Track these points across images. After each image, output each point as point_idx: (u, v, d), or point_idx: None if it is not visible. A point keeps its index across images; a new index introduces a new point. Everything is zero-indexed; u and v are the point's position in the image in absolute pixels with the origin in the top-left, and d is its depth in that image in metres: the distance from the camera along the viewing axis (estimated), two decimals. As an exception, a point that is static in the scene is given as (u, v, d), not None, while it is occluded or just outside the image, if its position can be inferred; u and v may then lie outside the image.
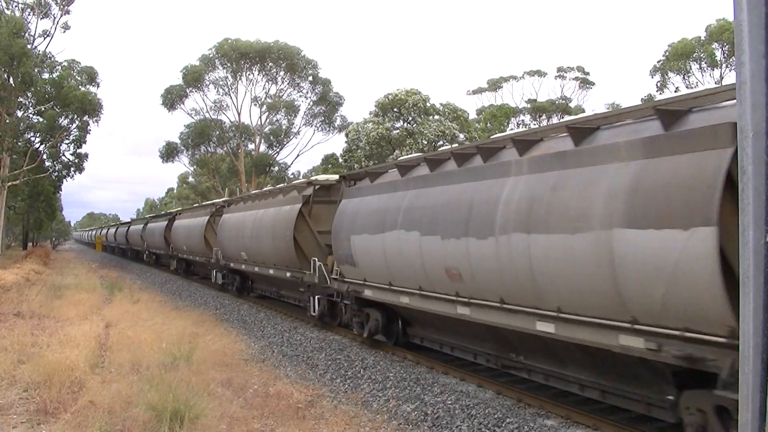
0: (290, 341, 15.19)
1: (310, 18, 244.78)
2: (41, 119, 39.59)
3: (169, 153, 57.01)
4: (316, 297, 16.00)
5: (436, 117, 44.53)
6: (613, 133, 7.49)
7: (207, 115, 54.73)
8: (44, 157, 42.45)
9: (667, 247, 5.92)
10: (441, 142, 41.45)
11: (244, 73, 53.73)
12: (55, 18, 37.04)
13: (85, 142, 42.11)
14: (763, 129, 1.99)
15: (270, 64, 53.11)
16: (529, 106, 58.52)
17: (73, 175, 44.70)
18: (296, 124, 55.81)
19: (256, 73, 53.90)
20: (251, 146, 57.11)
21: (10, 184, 37.23)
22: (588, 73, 58.72)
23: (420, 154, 13.15)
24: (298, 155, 70.31)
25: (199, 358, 10.97)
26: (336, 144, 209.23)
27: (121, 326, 14.60)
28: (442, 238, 9.59)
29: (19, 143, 38.49)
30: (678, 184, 5.98)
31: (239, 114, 55.43)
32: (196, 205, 39.60)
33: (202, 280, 31.92)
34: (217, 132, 54.98)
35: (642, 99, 40.73)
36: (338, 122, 54.82)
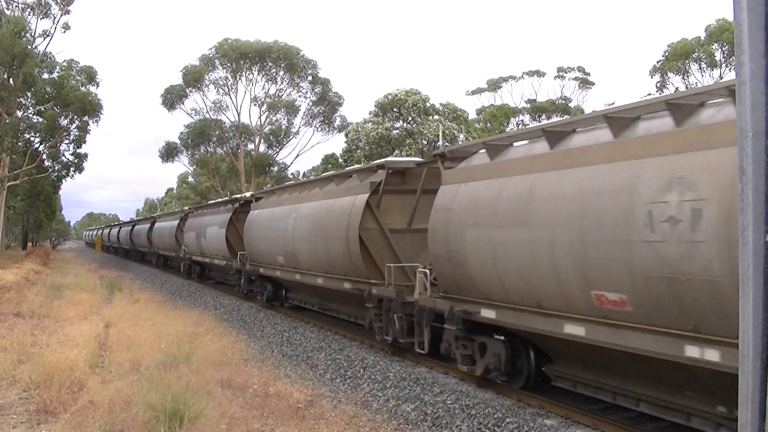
0: (290, 341, 15.19)
1: (309, 18, 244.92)
2: (41, 119, 39.62)
3: (169, 153, 57.07)
4: (395, 316, 12.01)
5: (436, 117, 44.56)
6: None
7: (207, 115, 54.83)
8: (44, 157, 42.49)
9: None
10: (441, 142, 41.45)
11: (243, 73, 53.77)
12: (55, 18, 37.18)
13: (84, 142, 42.26)
14: (763, 129, 1.99)
15: (270, 64, 53.14)
16: (528, 106, 58.56)
17: (72, 175, 44.86)
18: (296, 124, 55.91)
19: (255, 73, 53.95)
20: (251, 146, 57.18)
21: (10, 183, 37.26)
22: (588, 74, 58.76)
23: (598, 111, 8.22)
24: (297, 155, 70.34)
25: (198, 358, 10.97)
26: (336, 144, 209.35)
27: (121, 326, 14.60)
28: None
29: (19, 143, 38.52)
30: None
31: (239, 114, 55.51)
32: (215, 201, 33.97)
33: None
34: (217, 132, 55.01)
35: (641, 99, 40.65)
36: (338, 122, 54.89)
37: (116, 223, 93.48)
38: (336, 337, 15.30)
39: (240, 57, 52.16)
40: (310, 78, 54.08)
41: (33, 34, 36.77)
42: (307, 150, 67.05)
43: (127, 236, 58.34)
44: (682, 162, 6.16)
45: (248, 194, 25.20)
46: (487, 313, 9.19)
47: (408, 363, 12.00)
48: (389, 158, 14.62)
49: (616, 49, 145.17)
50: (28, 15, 36.88)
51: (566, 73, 58.85)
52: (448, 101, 47.42)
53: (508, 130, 49.37)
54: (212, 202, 33.64)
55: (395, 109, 44.59)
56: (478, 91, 61.40)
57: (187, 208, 40.18)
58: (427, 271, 10.95)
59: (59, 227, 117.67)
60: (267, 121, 56.29)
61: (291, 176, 57.03)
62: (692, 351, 6.12)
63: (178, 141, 56.26)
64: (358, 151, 44.99)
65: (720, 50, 40.34)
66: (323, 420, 8.57)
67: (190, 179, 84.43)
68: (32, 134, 40.62)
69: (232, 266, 23.48)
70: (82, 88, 39.45)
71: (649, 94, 43.19)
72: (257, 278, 20.82)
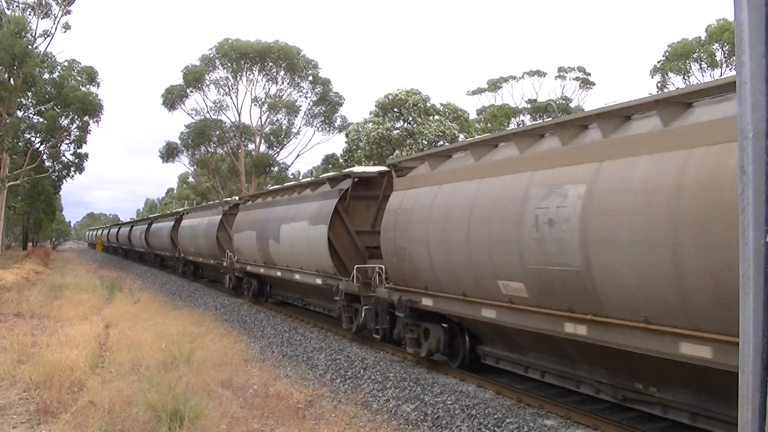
0: (290, 341, 15.17)
1: (310, 18, 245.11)
2: (41, 119, 39.65)
3: (169, 153, 57.04)
4: None
5: (437, 117, 44.56)
6: None
7: (207, 115, 54.78)
8: (44, 157, 42.53)
9: None
10: (441, 142, 41.44)
11: (244, 73, 53.74)
12: (55, 18, 37.22)
13: (85, 143, 42.33)
14: (763, 129, 1.99)
15: (270, 64, 53.13)
16: (529, 106, 58.54)
17: (73, 175, 44.92)
18: (296, 124, 55.87)
19: (256, 73, 53.91)
20: (251, 146, 57.14)
21: (10, 184, 37.29)
22: (589, 74, 58.73)
23: None
24: (298, 155, 70.38)
25: (199, 358, 10.97)
26: (336, 144, 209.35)
27: (121, 326, 14.61)
28: None
29: (20, 143, 38.55)
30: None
31: (239, 114, 55.46)
32: (294, 182, 22.58)
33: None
34: (218, 132, 54.98)
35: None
36: (338, 122, 54.86)
37: (124, 222, 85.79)
38: (336, 337, 15.25)
39: (240, 57, 52.16)
40: (310, 78, 54.09)
41: (33, 34, 36.82)
42: (307, 150, 67.02)
43: (141, 237, 48.91)
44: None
45: (371, 168, 16.16)
46: None
47: (408, 363, 12.00)
48: None
49: (616, 49, 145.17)
50: (29, 15, 36.94)
51: (567, 73, 58.85)
52: (449, 101, 47.51)
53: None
54: (287, 185, 21.56)
55: (396, 109, 44.59)
56: (479, 91, 61.40)
57: (234, 198, 29.05)
58: None
59: (59, 227, 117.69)
60: (267, 121, 56.31)
61: (291, 176, 57.02)
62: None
63: (178, 141, 56.24)
64: (359, 151, 45.00)
65: (720, 50, 40.35)
66: (323, 420, 8.57)
67: (191, 179, 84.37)
68: (32, 134, 40.68)
69: (338, 287, 14.63)
70: (83, 89, 39.48)
71: (650, 95, 43.17)
72: (409, 314, 11.60)
